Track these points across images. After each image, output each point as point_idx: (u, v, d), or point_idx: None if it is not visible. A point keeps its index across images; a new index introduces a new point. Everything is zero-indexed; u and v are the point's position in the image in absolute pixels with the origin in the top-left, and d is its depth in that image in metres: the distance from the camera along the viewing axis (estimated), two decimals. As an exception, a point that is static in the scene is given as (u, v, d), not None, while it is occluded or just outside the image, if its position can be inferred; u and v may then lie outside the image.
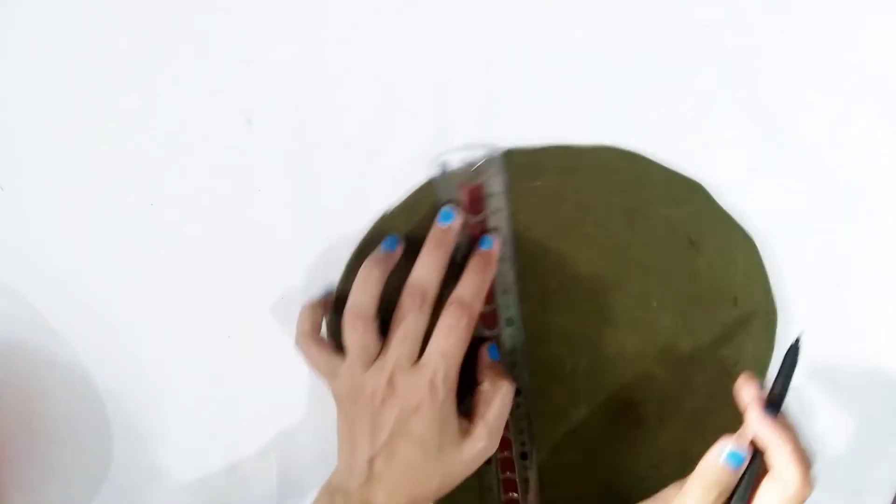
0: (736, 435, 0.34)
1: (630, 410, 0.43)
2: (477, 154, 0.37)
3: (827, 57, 0.35)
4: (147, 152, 0.37)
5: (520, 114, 0.36)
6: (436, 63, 0.35)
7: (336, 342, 0.40)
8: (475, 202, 0.38)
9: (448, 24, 0.34)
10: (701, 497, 0.33)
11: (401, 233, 0.39)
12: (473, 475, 0.42)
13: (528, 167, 0.37)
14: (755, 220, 0.39)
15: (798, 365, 0.35)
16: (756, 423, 0.33)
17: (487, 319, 0.39)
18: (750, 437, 0.34)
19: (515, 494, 0.45)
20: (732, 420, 0.43)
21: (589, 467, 0.45)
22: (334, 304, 0.40)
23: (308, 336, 0.39)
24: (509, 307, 0.41)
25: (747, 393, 0.35)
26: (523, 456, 0.45)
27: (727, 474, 0.33)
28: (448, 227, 0.37)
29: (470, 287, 0.37)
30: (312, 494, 0.40)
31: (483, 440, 0.37)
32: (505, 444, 0.42)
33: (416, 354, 0.37)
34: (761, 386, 0.35)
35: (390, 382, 0.36)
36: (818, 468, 0.34)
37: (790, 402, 0.35)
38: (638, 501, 0.43)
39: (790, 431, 0.33)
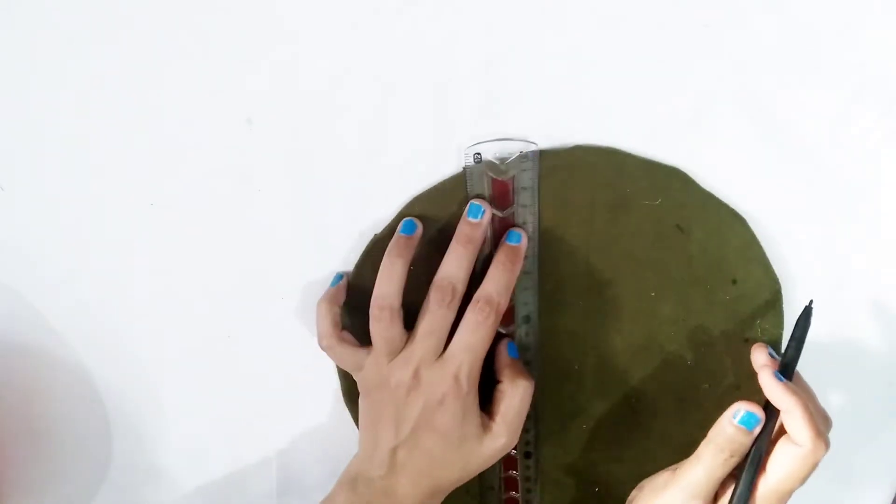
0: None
1: (645, 402, 0.43)
2: (510, 147, 0.37)
3: (827, 57, 0.35)
4: (147, 152, 0.37)
5: (520, 114, 0.36)
6: (436, 63, 0.35)
7: (352, 331, 0.40)
8: (503, 196, 0.38)
9: (448, 24, 0.34)
10: (713, 459, 0.34)
11: (427, 220, 0.39)
12: (477, 475, 0.42)
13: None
14: (755, 220, 0.39)
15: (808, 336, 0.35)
16: (768, 386, 0.34)
17: (505, 316, 0.39)
18: (763, 401, 0.34)
19: (516, 493, 0.45)
20: (750, 397, 0.43)
21: (595, 467, 0.45)
22: (349, 293, 0.40)
23: (331, 334, 0.39)
24: (527, 304, 0.41)
25: (759, 359, 0.36)
26: (527, 455, 0.45)
27: (740, 436, 0.34)
28: (478, 222, 0.37)
29: (497, 283, 0.37)
30: (313, 494, 0.40)
31: (503, 437, 0.38)
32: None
33: (442, 348, 0.37)
34: (777, 354, 0.36)
35: (416, 375, 0.37)
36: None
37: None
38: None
39: (803, 394, 0.34)
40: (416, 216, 0.38)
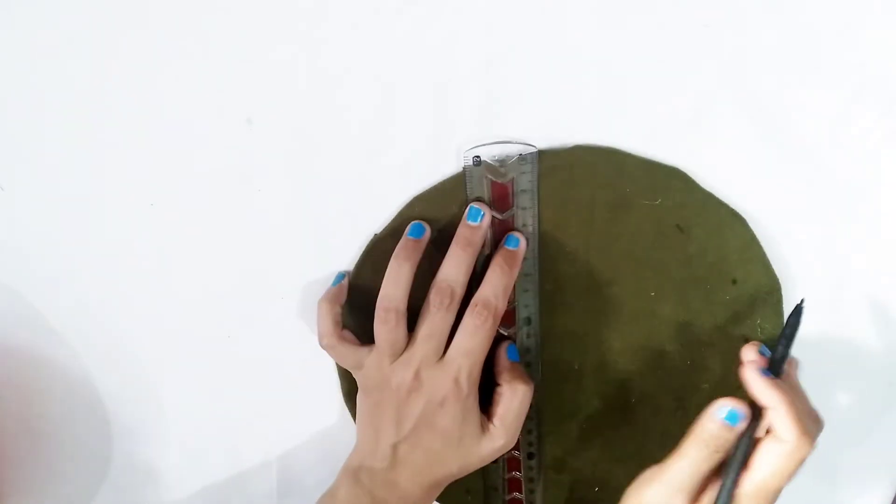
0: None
1: (645, 402, 0.43)
2: (509, 150, 0.37)
3: (827, 57, 0.35)
4: (147, 152, 0.37)
5: (520, 114, 0.36)
6: (436, 63, 0.35)
7: (352, 330, 0.40)
8: (502, 199, 0.38)
9: (448, 24, 0.34)
10: (696, 454, 0.34)
11: (427, 220, 0.39)
12: (479, 475, 0.42)
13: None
14: (755, 220, 0.39)
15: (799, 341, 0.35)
16: (752, 382, 0.34)
17: (506, 318, 0.39)
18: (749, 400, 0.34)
19: (520, 494, 0.45)
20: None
21: (595, 466, 0.45)
22: (349, 293, 0.41)
23: (332, 333, 0.39)
24: (528, 306, 0.41)
25: (747, 355, 0.35)
26: (530, 456, 0.45)
27: (724, 432, 0.34)
28: (477, 225, 0.37)
29: (495, 286, 0.37)
30: (313, 494, 0.40)
31: (501, 439, 0.38)
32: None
33: (442, 350, 0.37)
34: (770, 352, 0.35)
35: (417, 376, 0.37)
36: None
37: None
38: None
39: (790, 392, 0.34)
40: (416, 216, 0.38)
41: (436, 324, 0.37)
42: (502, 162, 0.37)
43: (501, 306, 0.37)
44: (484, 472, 0.44)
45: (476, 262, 0.38)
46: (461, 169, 0.37)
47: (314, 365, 0.43)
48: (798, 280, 0.40)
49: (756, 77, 0.35)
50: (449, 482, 0.40)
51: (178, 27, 0.34)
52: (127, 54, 0.35)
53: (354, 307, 0.40)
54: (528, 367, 0.42)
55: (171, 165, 0.38)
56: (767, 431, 0.34)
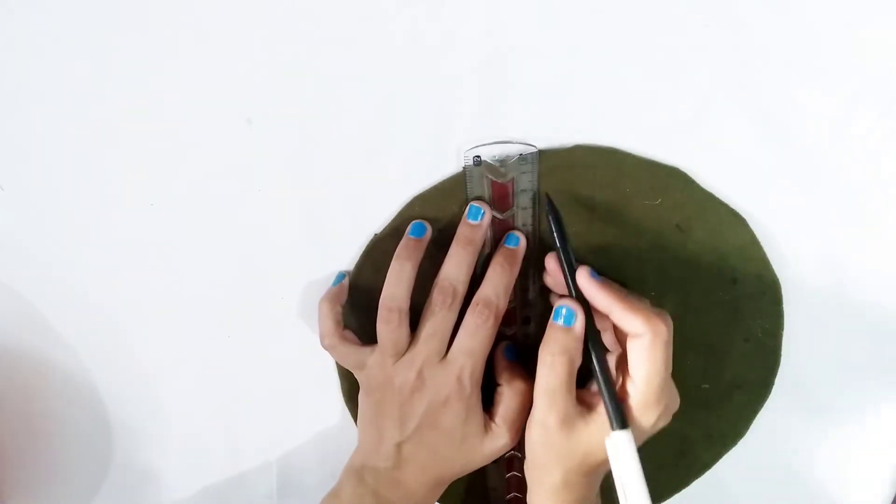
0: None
1: None
2: (509, 150, 0.37)
3: (827, 57, 0.35)
4: (147, 152, 0.37)
5: (520, 114, 0.36)
6: (436, 63, 0.35)
7: (353, 330, 0.40)
8: (502, 198, 0.38)
9: (448, 25, 0.34)
10: (549, 364, 0.35)
11: (427, 220, 0.39)
12: (479, 475, 0.42)
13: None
14: (755, 220, 0.39)
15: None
16: (586, 290, 0.35)
17: (506, 317, 0.39)
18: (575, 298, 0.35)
19: (520, 495, 0.45)
20: (750, 396, 0.43)
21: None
22: (350, 293, 0.41)
23: (333, 333, 0.39)
24: (528, 306, 0.41)
25: (552, 263, 0.37)
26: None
27: (562, 335, 0.35)
28: (477, 223, 0.37)
29: (496, 285, 0.37)
30: (313, 494, 0.40)
31: (503, 438, 0.38)
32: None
33: (444, 350, 0.38)
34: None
35: (420, 376, 0.37)
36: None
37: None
38: (658, 500, 0.43)
39: (619, 290, 0.35)
40: (416, 216, 0.38)
41: (438, 323, 0.37)
42: (502, 162, 0.37)
43: (503, 305, 0.37)
44: (484, 472, 0.44)
45: (476, 261, 0.38)
46: (461, 169, 0.37)
47: (314, 365, 0.43)
48: (798, 280, 0.40)
49: (756, 77, 0.35)
50: (452, 480, 0.40)
51: (178, 27, 0.34)
52: (127, 54, 0.35)
53: (355, 307, 0.40)
54: (529, 367, 0.42)
55: (171, 165, 0.38)
56: (622, 344, 0.35)
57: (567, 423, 0.35)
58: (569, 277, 0.36)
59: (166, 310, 0.42)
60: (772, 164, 0.37)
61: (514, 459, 0.44)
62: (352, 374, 0.41)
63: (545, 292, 0.40)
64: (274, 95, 0.36)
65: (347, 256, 0.40)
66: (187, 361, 0.44)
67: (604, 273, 0.39)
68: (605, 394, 0.34)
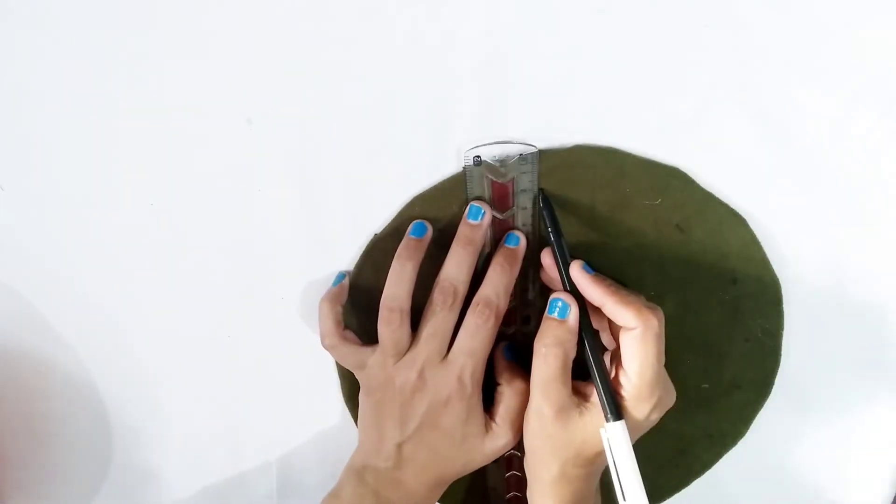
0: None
1: None
2: (509, 150, 0.37)
3: (827, 57, 0.35)
4: (147, 152, 0.37)
5: (520, 114, 0.36)
6: (436, 63, 0.35)
7: (353, 330, 0.40)
8: (502, 199, 0.38)
9: (447, 25, 0.34)
10: (544, 357, 0.35)
11: (427, 220, 0.39)
12: (479, 474, 0.42)
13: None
14: (755, 220, 0.39)
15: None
16: (579, 284, 0.36)
17: (506, 317, 0.39)
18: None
19: (520, 494, 0.45)
20: (750, 396, 0.43)
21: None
22: (350, 293, 0.41)
23: (334, 334, 0.39)
24: (528, 305, 0.41)
25: (547, 258, 0.37)
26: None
27: (556, 328, 0.35)
28: (478, 223, 0.37)
29: (496, 285, 0.37)
30: (313, 494, 0.40)
31: (503, 438, 0.38)
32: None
33: (445, 350, 0.38)
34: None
35: (421, 376, 0.37)
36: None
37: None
38: (658, 500, 0.43)
39: (611, 284, 0.35)
40: (416, 216, 0.38)
41: (439, 323, 0.37)
42: (503, 162, 0.37)
43: (503, 305, 0.37)
44: (484, 472, 0.44)
45: (477, 262, 0.38)
46: (461, 169, 0.37)
47: (314, 365, 0.43)
48: (798, 280, 0.40)
49: (756, 77, 0.35)
50: (453, 480, 0.40)
51: (178, 27, 0.34)
52: (127, 54, 0.35)
53: (355, 307, 0.40)
54: (529, 366, 0.42)
55: (171, 165, 0.37)
56: (615, 337, 0.36)
57: (562, 414, 0.35)
58: (563, 271, 0.36)
59: (166, 310, 0.42)
60: (772, 164, 0.37)
61: (513, 458, 0.44)
62: (352, 374, 0.41)
63: (545, 292, 0.40)
64: (274, 95, 0.36)
65: (347, 256, 0.40)
66: (187, 361, 0.44)
67: (604, 273, 0.39)
68: (599, 385, 0.35)
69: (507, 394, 0.39)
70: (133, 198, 0.38)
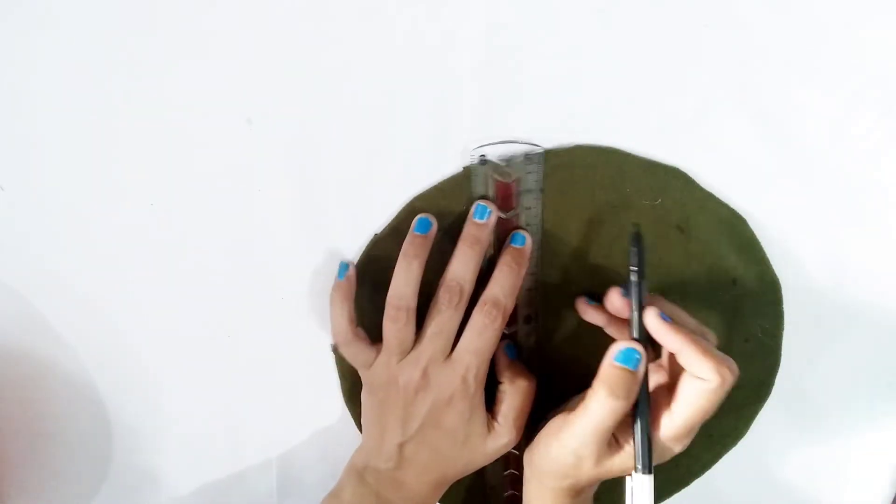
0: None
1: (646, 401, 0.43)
2: (515, 149, 0.37)
3: (827, 57, 0.35)
4: (147, 152, 0.37)
5: (520, 114, 0.36)
6: (436, 63, 0.35)
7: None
8: (507, 198, 0.38)
9: (448, 24, 0.34)
10: (602, 405, 0.34)
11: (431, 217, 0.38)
12: (479, 475, 0.42)
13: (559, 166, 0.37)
14: (755, 220, 0.39)
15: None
16: (656, 330, 0.34)
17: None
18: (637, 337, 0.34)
19: (518, 493, 0.45)
20: (750, 396, 0.43)
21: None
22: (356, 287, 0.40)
23: (347, 331, 0.39)
24: (530, 305, 0.41)
25: (616, 301, 0.36)
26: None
27: (627, 375, 0.33)
28: (484, 222, 0.37)
29: (503, 285, 0.37)
30: (313, 494, 0.40)
31: (505, 437, 0.38)
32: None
33: (450, 349, 0.37)
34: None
35: (424, 375, 0.37)
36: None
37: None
38: (658, 500, 0.43)
39: (690, 333, 0.34)
40: (415, 216, 0.38)
41: (444, 321, 0.37)
42: (508, 161, 0.37)
43: (510, 305, 0.37)
44: (483, 471, 0.44)
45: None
46: (461, 168, 0.37)
47: (314, 365, 0.43)
48: (798, 280, 0.40)
49: (756, 77, 0.35)
50: (454, 481, 0.40)
51: (178, 27, 0.34)
52: (127, 54, 0.35)
53: (355, 307, 0.40)
54: (529, 366, 0.42)
55: (171, 165, 0.37)
56: (671, 373, 0.35)
57: (600, 458, 0.35)
58: (638, 316, 0.34)
59: (166, 310, 0.42)
60: (772, 164, 0.37)
61: (510, 456, 0.44)
62: (352, 374, 0.41)
63: (546, 292, 0.40)
64: (274, 95, 0.36)
65: (347, 256, 0.40)
66: (187, 361, 0.44)
67: (604, 273, 0.39)
68: (641, 438, 0.34)
69: (510, 393, 0.39)
70: (133, 198, 0.38)
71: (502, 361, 0.40)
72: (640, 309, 0.34)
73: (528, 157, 0.37)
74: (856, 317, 0.42)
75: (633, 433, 0.34)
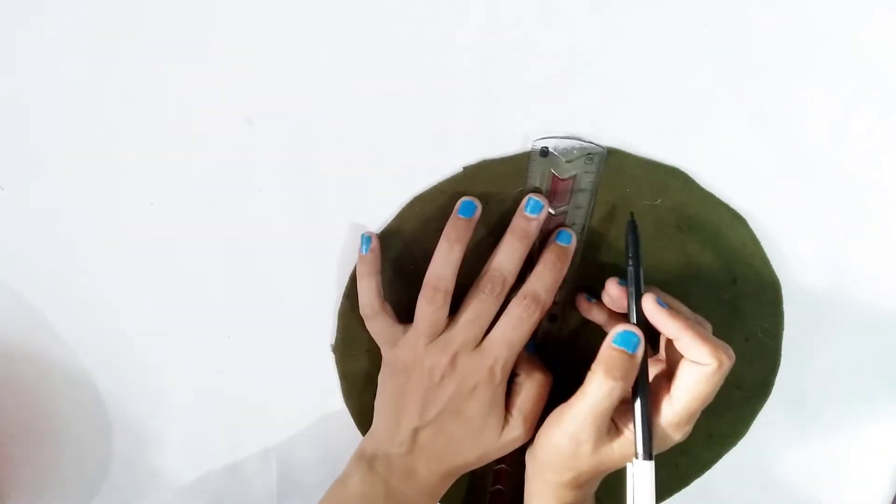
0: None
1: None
2: (577, 146, 0.36)
3: (827, 57, 0.35)
4: (147, 152, 0.37)
5: (520, 114, 0.36)
6: (436, 63, 0.35)
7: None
8: (560, 195, 0.38)
9: (448, 24, 0.34)
10: (600, 388, 0.34)
11: (427, 219, 0.38)
12: (481, 476, 0.42)
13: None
14: (755, 220, 0.39)
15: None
16: (654, 316, 0.34)
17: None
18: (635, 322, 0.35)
19: (501, 487, 0.45)
20: (750, 396, 0.43)
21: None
22: (350, 289, 0.40)
23: (374, 304, 0.38)
24: (556, 303, 0.41)
25: (615, 290, 0.36)
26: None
27: (625, 357, 0.34)
28: (535, 217, 0.37)
29: (545, 281, 0.37)
30: (313, 494, 0.40)
31: (518, 430, 0.38)
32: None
33: (481, 338, 0.37)
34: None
35: (453, 361, 0.37)
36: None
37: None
38: (658, 500, 0.43)
39: (688, 319, 0.34)
40: (415, 216, 0.38)
41: (483, 309, 0.37)
42: (568, 157, 0.37)
43: (549, 301, 0.37)
44: (483, 472, 0.44)
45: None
46: (460, 169, 0.37)
47: (314, 365, 0.43)
48: (798, 280, 0.40)
49: (756, 77, 0.35)
50: (462, 473, 0.40)
51: (178, 27, 0.34)
52: (127, 54, 0.35)
53: (354, 307, 0.40)
54: (549, 361, 0.42)
55: (171, 165, 0.38)
56: (669, 362, 0.35)
57: (599, 443, 0.35)
58: (635, 302, 0.35)
59: (166, 309, 0.42)
60: (772, 164, 0.37)
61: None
62: (352, 374, 0.41)
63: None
64: (274, 95, 0.36)
65: (347, 256, 0.40)
66: (187, 361, 0.44)
67: (604, 273, 0.39)
68: (641, 422, 0.34)
69: (527, 385, 0.38)
70: (133, 197, 0.38)
71: (521, 354, 0.40)
72: (639, 296, 0.35)
73: (589, 156, 0.36)
74: (856, 317, 0.42)
75: (633, 418, 0.34)
